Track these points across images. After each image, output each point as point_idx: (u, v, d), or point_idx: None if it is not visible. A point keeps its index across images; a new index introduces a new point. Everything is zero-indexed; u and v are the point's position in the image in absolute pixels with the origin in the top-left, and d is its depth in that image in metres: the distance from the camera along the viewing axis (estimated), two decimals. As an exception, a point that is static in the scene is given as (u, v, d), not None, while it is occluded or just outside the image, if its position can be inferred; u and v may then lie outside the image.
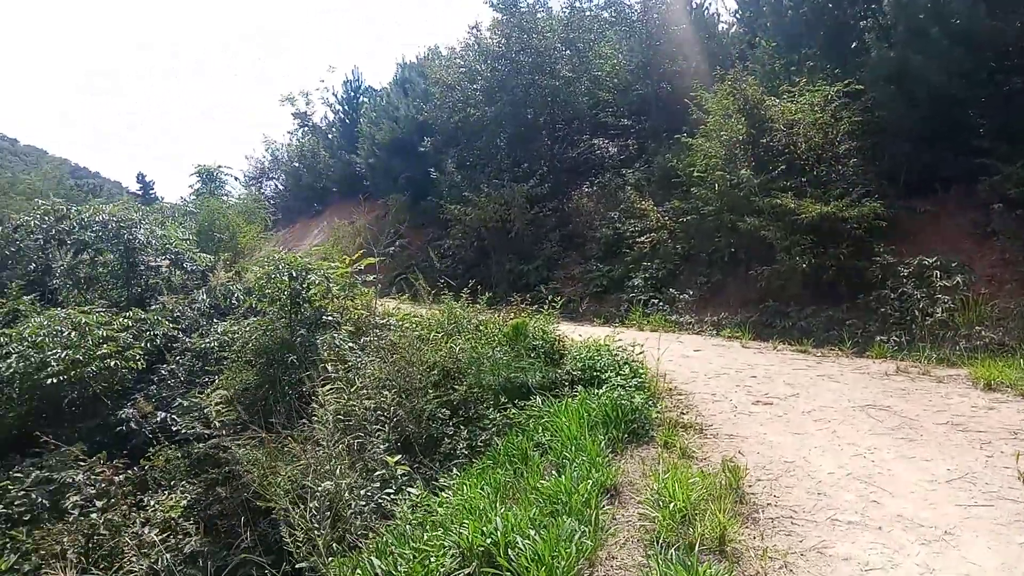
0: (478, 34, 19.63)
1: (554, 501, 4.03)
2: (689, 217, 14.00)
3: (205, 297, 11.14)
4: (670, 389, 6.97)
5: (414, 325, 8.53)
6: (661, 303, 13.46)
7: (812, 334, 10.31)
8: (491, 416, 6.39)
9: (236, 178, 22.38)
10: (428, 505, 4.70)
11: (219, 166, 18.33)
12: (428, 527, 4.08)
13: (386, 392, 6.45)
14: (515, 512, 3.86)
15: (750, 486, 4.45)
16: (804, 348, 9.48)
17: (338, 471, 5.81)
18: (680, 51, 17.69)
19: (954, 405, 6.18)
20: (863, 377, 7.45)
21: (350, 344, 8.28)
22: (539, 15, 19.15)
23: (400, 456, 6.15)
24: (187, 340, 10.62)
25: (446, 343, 7.67)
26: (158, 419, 9.05)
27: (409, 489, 5.46)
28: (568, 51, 18.84)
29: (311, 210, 34.26)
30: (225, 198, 19.92)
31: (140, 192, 47.89)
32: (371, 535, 4.74)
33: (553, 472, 4.55)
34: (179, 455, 7.97)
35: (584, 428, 5.24)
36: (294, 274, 8.62)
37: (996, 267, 9.74)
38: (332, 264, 9.74)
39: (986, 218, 10.17)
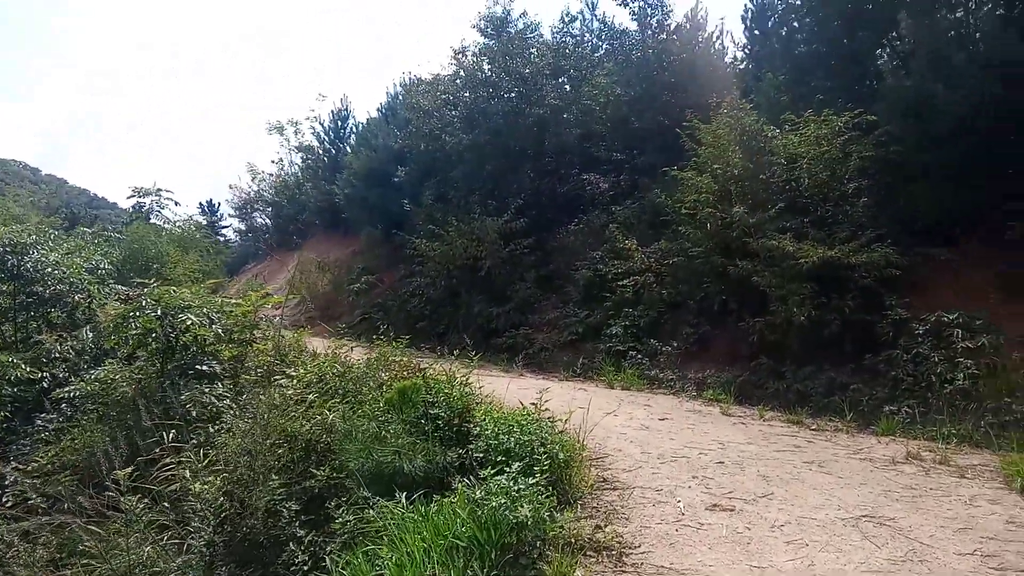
0: (462, 59, 18.38)
1: None
2: (676, 259, 12.38)
3: (90, 335, 9.52)
4: (602, 481, 5.20)
5: (298, 381, 6.61)
6: (641, 355, 11.73)
7: (810, 399, 8.77)
8: (341, 519, 4.56)
9: (177, 203, 21.17)
10: None
11: (159, 189, 16.97)
12: None
13: (212, 477, 4.78)
14: None
15: None
16: (798, 418, 7.86)
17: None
18: (681, 84, 16.25)
19: (982, 518, 4.48)
20: (864, 465, 5.74)
21: (228, 401, 6.63)
22: (529, 41, 17.88)
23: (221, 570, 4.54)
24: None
25: (320, 407, 5.81)
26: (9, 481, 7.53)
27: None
28: (558, 79, 17.50)
29: (290, 243, 32.57)
30: (162, 224, 18.53)
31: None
32: None
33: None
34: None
35: (438, 555, 3.48)
36: (161, 313, 7.02)
37: (1029, 327, 8.07)
38: (234, 301, 8.19)
39: (1017, 269, 8.59)
